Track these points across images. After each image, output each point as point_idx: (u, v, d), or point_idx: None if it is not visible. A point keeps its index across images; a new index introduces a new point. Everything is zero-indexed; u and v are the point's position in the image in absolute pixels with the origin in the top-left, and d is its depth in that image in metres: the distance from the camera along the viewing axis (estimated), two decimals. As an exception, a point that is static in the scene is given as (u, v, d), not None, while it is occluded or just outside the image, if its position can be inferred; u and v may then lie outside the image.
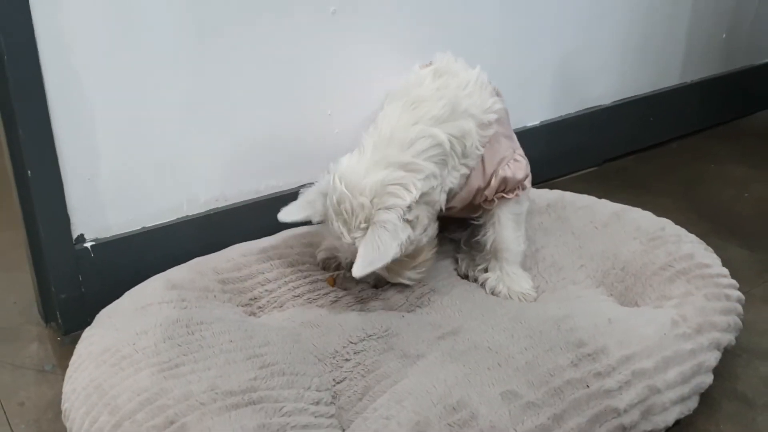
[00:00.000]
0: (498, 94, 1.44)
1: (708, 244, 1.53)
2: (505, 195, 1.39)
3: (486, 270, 1.46)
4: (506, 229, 1.41)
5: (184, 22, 1.39)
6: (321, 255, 1.46)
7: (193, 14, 1.39)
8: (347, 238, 1.26)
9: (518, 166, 1.38)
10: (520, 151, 1.42)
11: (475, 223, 1.46)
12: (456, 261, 1.53)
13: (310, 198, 1.32)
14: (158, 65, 1.39)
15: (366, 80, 1.61)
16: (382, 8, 1.61)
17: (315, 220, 1.32)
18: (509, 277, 1.42)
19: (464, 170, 1.36)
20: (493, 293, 1.43)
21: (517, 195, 1.39)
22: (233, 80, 1.48)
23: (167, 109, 1.42)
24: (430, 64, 1.43)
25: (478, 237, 1.44)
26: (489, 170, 1.37)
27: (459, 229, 1.47)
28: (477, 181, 1.38)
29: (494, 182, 1.37)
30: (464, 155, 1.34)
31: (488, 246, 1.43)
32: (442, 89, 1.34)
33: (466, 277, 1.50)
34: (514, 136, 1.44)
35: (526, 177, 1.40)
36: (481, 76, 1.40)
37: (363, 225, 1.24)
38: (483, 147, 1.36)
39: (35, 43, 1.25)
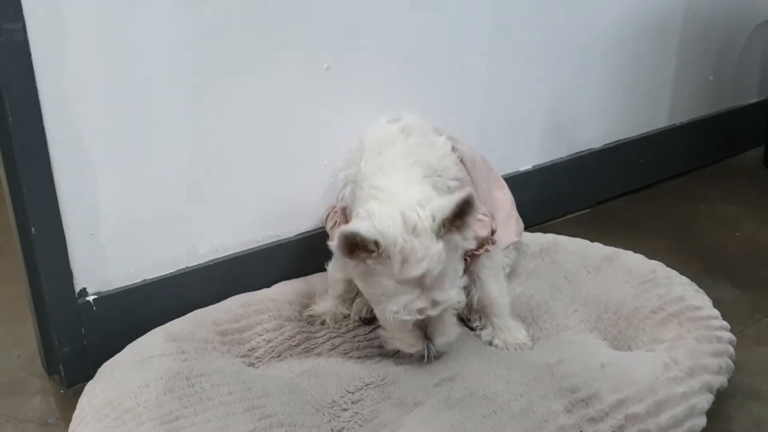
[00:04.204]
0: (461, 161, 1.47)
1: (700, 284, 1.55)
2: (475, 252, 1.41)
3: (480, 321, 1.47)
4: (487, 284, 1.43)
5: (183, 81, 1.44)
6: (308, 312, 1.51)
7: (192, 73, 1.44)
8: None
9: (481, 225, 1.39)
10: (483, 209, 1.42)
11: None
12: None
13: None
14: (158, 123, 1.43)
15: (360, 131, 1.64)
16: (373, 62, 1.65)
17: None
18: (502, 330, 1.44)
19: None
20: (490, 345, 1.44)
21: (486, 250, 1.41)
22: (230, 135, 1.52)
23: (167, 165, 1.46)
24: (400, 118, 1.46)
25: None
26: None
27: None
28: None
29: None
30: None
31: (475, 304, 1.45)
32: (413, 147, 1.37)
33: (467, 320, 1.50)
34: (477, 196, 1.44)
35: (492, 233, 1.42)
36: (447, 144, 1.43)
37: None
38: None
39: (39, 105, 1.29)
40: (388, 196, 1.26)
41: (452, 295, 1.25)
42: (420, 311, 1.23)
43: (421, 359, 1.32)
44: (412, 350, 1.31)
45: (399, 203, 1.22)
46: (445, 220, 1.20)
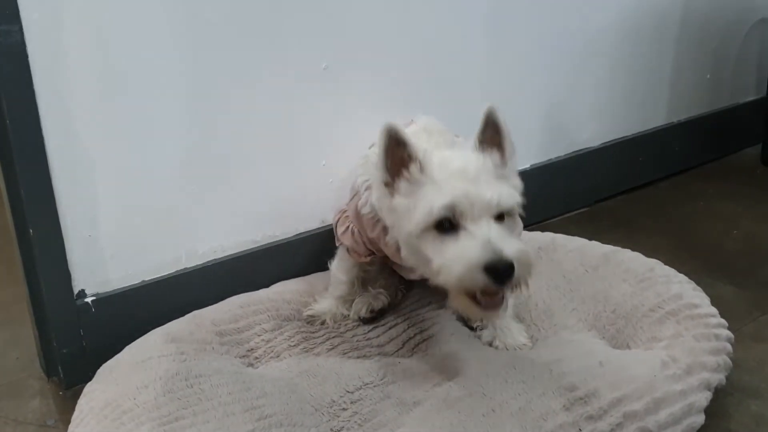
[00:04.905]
0: None
1: (698, 282, 1.55)
2: None
3: (480, 321, 1.47)
4: None
5: (181, 82, 1.44)
6: (308, 312, 1.51)
7: (190, 74, 1.45)
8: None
9: None
10: None
11: None
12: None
13: None
14: (156, 124, 1.43)
15: (358, 131, 1.64)
16: (371, 62, 1.66)
17: None
18: (503, 332, 1.43)
19: None
20: (489, 346, 1.44)
21: None
22: (229, 136, 1.53)
23: (165, 166, 1.47)
24: (411, 122, 1.46)
25: None
26: None
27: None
28: None
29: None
30: None
31: None
32: (440, 145, 1.35)
33: (467, 319, 1.50)
34: None
35: None
36: (465, 142, 1.42)
37: None
38: None
39: (36, 107, 1.29)
40: None
41: (503, 190, 1.20)
42: (469, 197, 1.17)
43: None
44: (481, 260, 1.13)
45: None
46: (478, 135, 1.23)
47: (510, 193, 1.22)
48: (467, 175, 1.20)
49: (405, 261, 1.31)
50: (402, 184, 1.23)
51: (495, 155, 1.24)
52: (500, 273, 1.13)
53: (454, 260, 1.16)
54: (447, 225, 1.20)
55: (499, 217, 1.21)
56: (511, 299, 1.47)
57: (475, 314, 1.26)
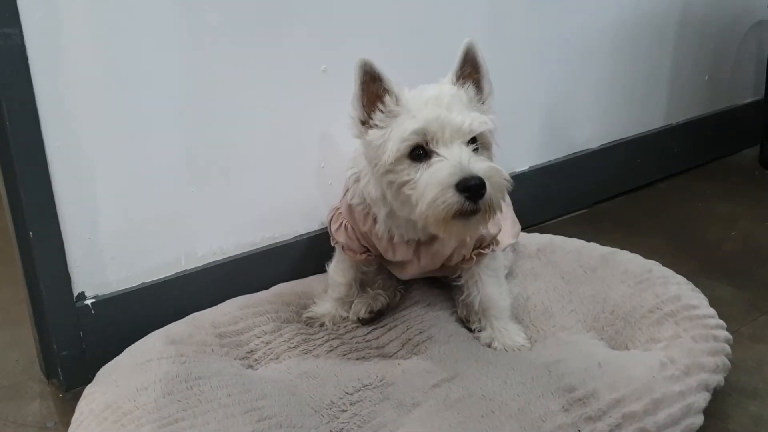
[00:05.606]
0: None
1: (697, 283, 1.56)
2: (482, 251, 1.42)
3: (479, 323, 1.47)
4: (488, 286, 1.44)
5: (181, 84, 1.44)
6: (307, 314, 1.52)
7: (189, 76, 1.45)
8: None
9: (492, 223, 1.37)
10: None
11: (456, 284, 1.49)
12: (455, 305, 1.54)
13: None
14: (156, 126, 1.43)
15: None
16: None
17: None
18: (501, 333, 1.44)
19: None
20: (488, 347, 1.44)
21: (492, 249, 1.43)
22: (228, 138, 1.53)
23: (165, 168, 1.47)
24: None
25: (463, 297, 1.47)
26: None
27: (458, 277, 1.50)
28: None
29: (470, 240, 1.40)
30: None
31: (476, 306, 1.45)
32: None
33: (466, 320, 1.50)
34: None
35: (499, 231, 1.43)
36: None
37: None
38: None
39: (36, 109, 1.30)
40: None
41: (474, 116, 1.22)
42: (440, 121, 1.20)
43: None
44: (452, 177, 1.16)
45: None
46: (455, 70, 1.26)
47: (482, 119, 1.24)
48: (440, 103, 1.23)
49: (398, 210, 1.29)
50: (377, 116, 1.26)
51: (471, 90, 1.28)
52: (471, 189, 1.16)
53: (427, 185, 1.19)
54: (420, 153, 1.22)
55: (474, 149, 1.23)
56: (510, 300, 1.48)
57: (459, 230, 1.24)
